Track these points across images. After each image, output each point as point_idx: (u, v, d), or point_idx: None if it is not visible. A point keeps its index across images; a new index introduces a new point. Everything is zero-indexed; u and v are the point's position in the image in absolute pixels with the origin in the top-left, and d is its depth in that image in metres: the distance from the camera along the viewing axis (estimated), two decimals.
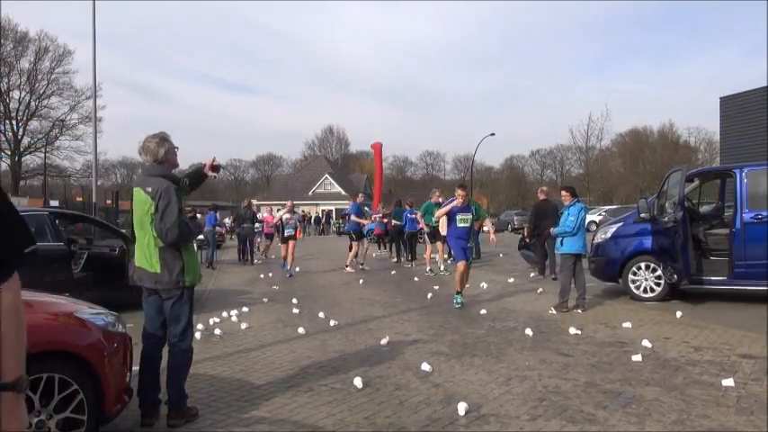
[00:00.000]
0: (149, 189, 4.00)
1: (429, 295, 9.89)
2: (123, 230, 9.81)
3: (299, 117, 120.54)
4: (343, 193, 61.53)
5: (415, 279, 12.42)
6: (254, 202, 23.30)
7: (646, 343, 6.06)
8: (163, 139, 4.15)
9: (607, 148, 72.18)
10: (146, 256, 4.05)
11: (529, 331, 6.69)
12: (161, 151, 4.10)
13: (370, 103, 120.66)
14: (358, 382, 4.80)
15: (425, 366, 5.26)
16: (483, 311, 8.20)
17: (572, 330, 6.78)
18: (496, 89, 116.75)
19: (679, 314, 7.58)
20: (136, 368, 4.08)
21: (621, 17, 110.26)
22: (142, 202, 4.02)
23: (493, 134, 49.12)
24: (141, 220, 4.04)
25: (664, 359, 5.53)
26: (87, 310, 3.57)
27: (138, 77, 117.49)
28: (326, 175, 66.27)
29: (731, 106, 27.05)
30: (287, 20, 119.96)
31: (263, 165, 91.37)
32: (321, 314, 8.07)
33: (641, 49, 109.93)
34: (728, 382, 4.71)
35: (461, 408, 4.12)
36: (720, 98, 27.96)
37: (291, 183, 67.46)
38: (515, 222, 38.10)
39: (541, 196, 12.71)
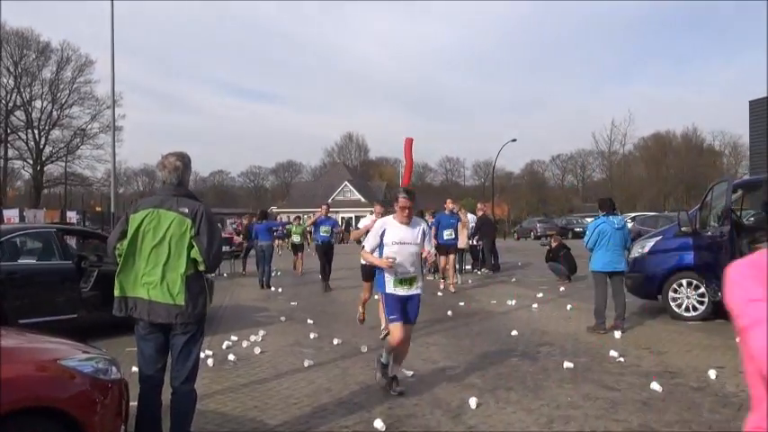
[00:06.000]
0: (184, 210, 3.59)
1: (449, 312, 9.39)
2: None
3: (318, 124, 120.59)
4: (362, 200, 61.09)
5: (439, 294, 11.89)
6: (274, 209, 22.73)
7: (698, 374, 5.50)
8: (190, 162, 3.84)
9: (630, 152, 71.06)
10: (165, 287, 3.53)
11: (567, 361, 6.10)
12: (187, 174, 3.80)
13: (390, 109, 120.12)
14: (379, 424, 4.31)
15: (472, 403, 4.76)
16: (514, 333, 7.67)
17: (613, 354, 6.25)
18: (517, 94, 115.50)
19: (728, 338, 6.97)
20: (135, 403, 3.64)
21: (644, 20, 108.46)
22: (178, 224, 3.56)
23: (514, 140, 48.36)
24: (174, 244, 3.55)
25: (722, 395, 4.97)
26: (76, 357, 3.11)
27: (159, 85, 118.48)
28: (346, 182, 65.94)
29: (761, 109, 26.18)
30: (307, 28, 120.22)
31: (283, 172, 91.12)
32: (340, 338, 7.53)
33: (664, 52, 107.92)
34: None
35: None
36: (750, 101, 27.10)
37: (311, 190, 67.20)
38: (538, 230, 37.09)
39: (479, 213, 16.16)
